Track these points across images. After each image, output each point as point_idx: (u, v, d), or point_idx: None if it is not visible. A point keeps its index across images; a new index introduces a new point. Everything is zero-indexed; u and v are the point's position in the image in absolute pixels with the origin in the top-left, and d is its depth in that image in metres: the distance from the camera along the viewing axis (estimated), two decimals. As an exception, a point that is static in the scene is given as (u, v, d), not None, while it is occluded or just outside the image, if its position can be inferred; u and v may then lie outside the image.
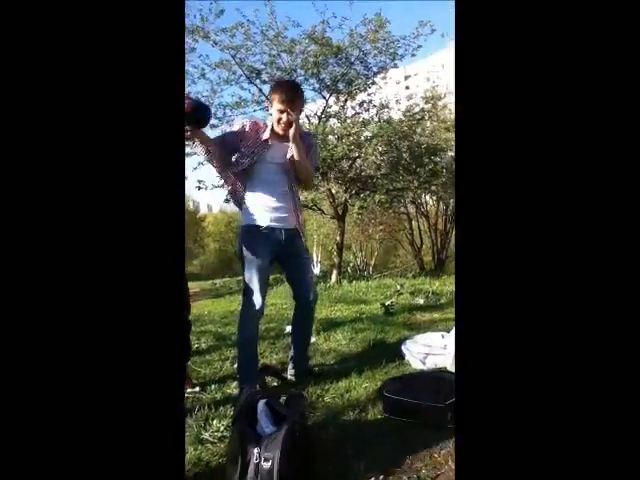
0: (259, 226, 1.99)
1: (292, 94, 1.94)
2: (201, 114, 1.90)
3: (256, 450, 1.27)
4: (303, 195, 7.13)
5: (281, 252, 2.04)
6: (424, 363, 2.28)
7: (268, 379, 1.78)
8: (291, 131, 1.91)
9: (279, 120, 1.94)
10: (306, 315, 2.20)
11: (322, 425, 1.63)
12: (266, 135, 1.99)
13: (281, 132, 1.96)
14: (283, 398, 1.59)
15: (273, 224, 2.00)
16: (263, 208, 2.00)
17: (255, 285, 1.96)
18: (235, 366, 2.48)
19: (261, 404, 1.46)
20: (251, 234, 2.00)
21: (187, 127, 1.86)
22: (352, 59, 7.04)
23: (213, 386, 2.14)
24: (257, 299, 1.96)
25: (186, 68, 8.71)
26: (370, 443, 1.51)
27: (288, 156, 1.99)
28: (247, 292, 1.98)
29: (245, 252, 2.00)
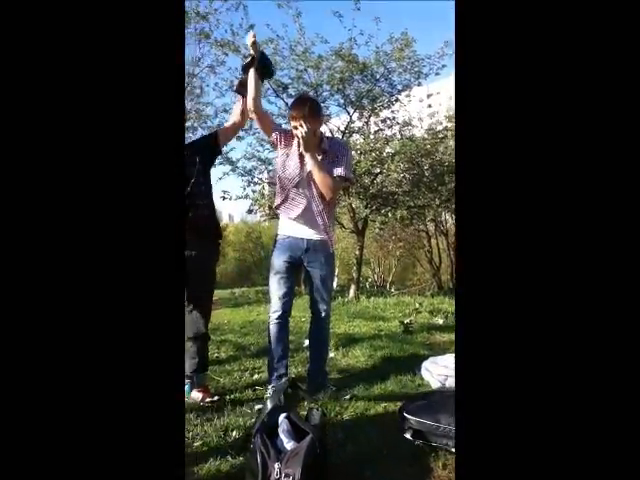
0: (285, 235, 2.15)
1: (300, 109, 2.04)
2: (267, 61, 2.15)
3: (277, 465, 1.28)
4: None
5: (306, 261, 2.15)
6: (444, 385, 2.25)
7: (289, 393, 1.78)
8: (300, 144, 2.04)
9: (296, 135, 2.05)
10: (321, 327, 2.26)
11: (341, 444, 1.63)
12: (296, 151, 2.10)
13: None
14: (303, 414, 1.60)
15: (297, 235, 2.13)
16: (290, 219, 2.13)
17: (278, 290, 2.13)
18: (254, 377, 2.51)
19: (282, 418, 1.47)
20: (277, 242, 2.18)
21: (244, 76, 2.13)
22: (377, 76, 7.11)
23: (232, 396, 2.16)
24: (277, 302, 2.14)
25: (215, 80, 8.88)
26: (389, 464, 1.50)
27: (312, 171, 2.06)
28: (272, 296, 2.17)
29: (272, 259, 2.18)
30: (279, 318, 2.15)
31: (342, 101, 7.41)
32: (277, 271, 2.15)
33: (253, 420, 1.82)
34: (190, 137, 7.60)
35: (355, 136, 7.57)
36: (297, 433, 1.43)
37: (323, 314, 2.22)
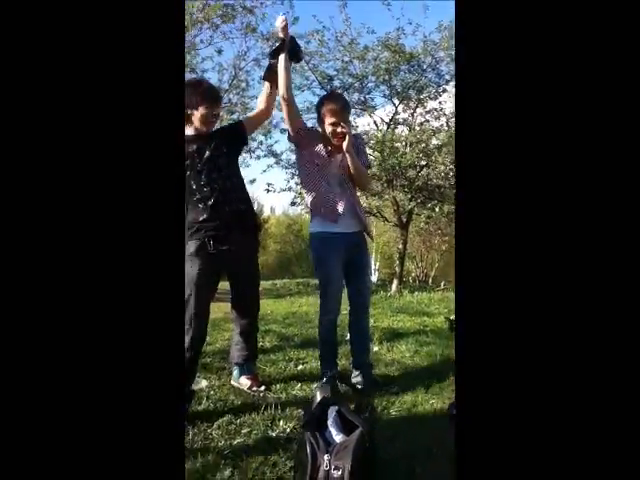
0: (326, 232, 2.10)
1: (342, 106, 2.04)
2: (297, 46, 2.10)
3: (326, 457, 1.27)
4: (367, 202, 7.10)
5: (347, 255, 2.13)
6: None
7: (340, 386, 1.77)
8: (345, 143, 2.00)
9: (334, 132, 2.02)
10: (362, 319, 2.24)
11: (389, 439, 1.60)
12: (326, 150, 2.08)
13: (336, 143, 2.04)
14: (352, 406, 1.58)
15: (338, 230, 2.09)
16: (328, 215, 2.09)
17: (328, 285, 2.12)
18: (299, 368, 2.52)
19: (332, 411, 1.46)
20: (320, 240, 2.12)
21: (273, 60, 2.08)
22: (424, 66, 6.94)
23: (278, 386, 2.18)
24: (329, 298, 2.14)
25: (260, 74, 8.98)
26: (439, 462, 1.46)
27: (351, 167, 2.06)
28: (321, 292, 2.17)
29: (317, 256, 2.13)
30: (334, 319, 2.18)
31: (388, 92, 7.31)
32: (327, 268, 2.10)
33: (300, 411, 1.83)
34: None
35: (400, 127, 7.45)
36: (346, 426, 1.42)
37: (364, 306, 2.22)
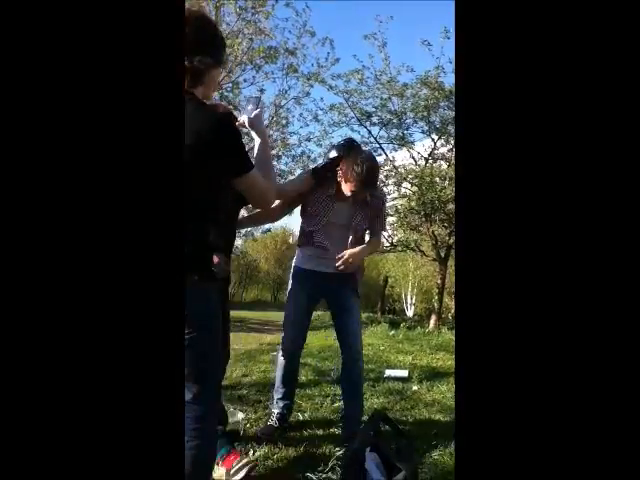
0: (305, 269, 1.99)
1: (374, 177, 1.86)
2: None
3: (368, 500, 1.23)
4: (405, 235, 7.04)
5: (326, 297, 2.04)
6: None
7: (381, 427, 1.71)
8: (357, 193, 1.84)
9: (352, 192, 1.84)
10: (350, 369, 1.98)
11: (432, 484, 1.52)
12: (331, 192, 1.92)
13: (349, 194, 1.87)
14: (393, 447, 1.52)
15: (318, 269, 1.96)
16: (316, 256, 1.97)
17: (292, 322, 2.02)
18: (335, 405, 2.47)
19: (369, 452, 1.42)
20: (298, 275, 2.02)
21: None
22: (464, 102, 6.97)
23: (315, 420, 2.13)
24: (291, 335, 2.03)
25: (300, 111, 9.30)
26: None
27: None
28: (285, 327, 2.06)
29: (290, 290, 2.05)
30: (291, 353, 2.09)
31: (426, 128, 7.36)
32: (296, 304, 2.03)
33: (338, 449, 1.77)
34: (275, 165, 7.94)
35: (439, 162, 7.44)
36: (387, 468, 1.37)
37: (352, 356, 1.98)
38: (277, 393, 2.09)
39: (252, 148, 1.54)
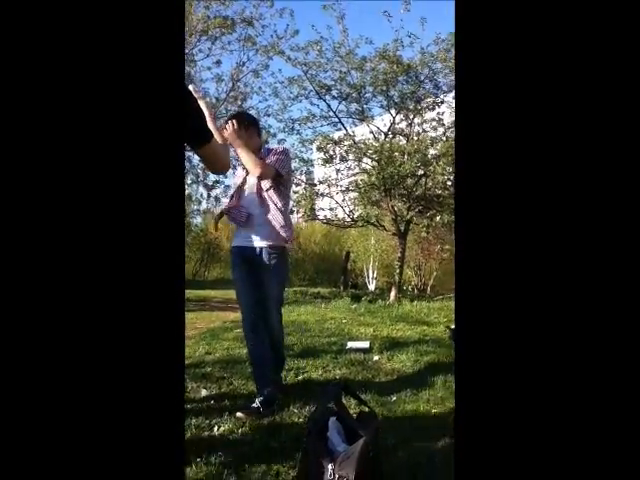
0: (237, 246, 2.23)
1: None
2: None
3: (330, 466, 1.27)
4: (365, 210, 7.11)
5: (257, 270, 2.17)
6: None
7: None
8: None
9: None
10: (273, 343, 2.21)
11: (391, 449, 1.59)
12: (242, 173, 2.27)
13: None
14: (354, 415, 1.58)
15: (246, 244, 2.17)
16: (241, 230, 2.22)
17: (241, 301, 2.20)
18: (299, 378, 2.51)
19: (332, 420, 1.46)
20: (234, 254, 2.23)
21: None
22: (422, 77, 7.01)
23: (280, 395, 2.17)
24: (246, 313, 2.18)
25: (259, 84, 9.07)
26: (441, 472, 1.46)
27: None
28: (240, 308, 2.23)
29: (232, 270, 2.27)
30: (249, 324, 2.21)
31: (385, 102, 7.36)
32: (240, 282, 2.24)
33: (302, 420, 1.82)
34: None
35: (398, 137, 7.49)
36: (348, 435, 1.41)
37: (270, 323, 2.22)
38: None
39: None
